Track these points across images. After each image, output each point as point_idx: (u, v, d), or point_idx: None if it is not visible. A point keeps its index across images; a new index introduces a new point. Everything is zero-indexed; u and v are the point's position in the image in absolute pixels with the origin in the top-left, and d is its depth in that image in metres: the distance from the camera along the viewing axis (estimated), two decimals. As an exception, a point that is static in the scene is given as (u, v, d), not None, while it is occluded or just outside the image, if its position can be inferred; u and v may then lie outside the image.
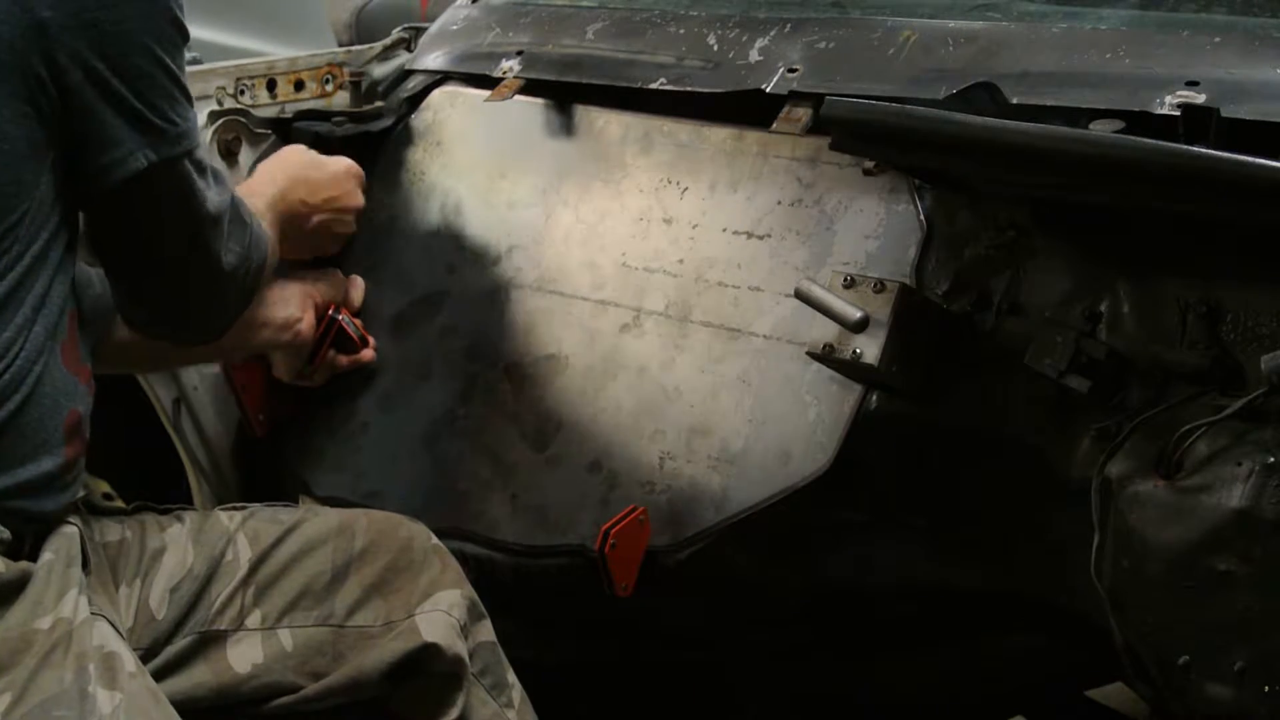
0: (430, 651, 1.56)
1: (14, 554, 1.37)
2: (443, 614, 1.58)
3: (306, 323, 1.96)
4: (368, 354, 2.04)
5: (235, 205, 1.57)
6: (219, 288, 1.58)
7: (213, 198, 1.50)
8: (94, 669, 1.35)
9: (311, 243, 1.97)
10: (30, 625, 1.33)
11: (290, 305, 1.94)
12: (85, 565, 1.45)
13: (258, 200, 1.75)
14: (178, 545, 1.60)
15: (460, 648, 1.58)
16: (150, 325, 1.62)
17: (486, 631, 1.64)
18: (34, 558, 1.39)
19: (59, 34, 1.33)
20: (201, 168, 1.48)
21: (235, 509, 1.68)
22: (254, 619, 1.58)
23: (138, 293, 1.57)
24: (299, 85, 2.25)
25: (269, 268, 1.70)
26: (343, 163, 1.98)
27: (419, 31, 2.32)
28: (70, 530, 1.44)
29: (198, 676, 1.54)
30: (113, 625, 1.44)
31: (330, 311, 2.01)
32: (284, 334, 1.94)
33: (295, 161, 1.93)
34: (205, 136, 2.14)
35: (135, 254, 1.52)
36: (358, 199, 2.00)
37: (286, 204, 1.85)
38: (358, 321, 2.04)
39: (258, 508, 1.69)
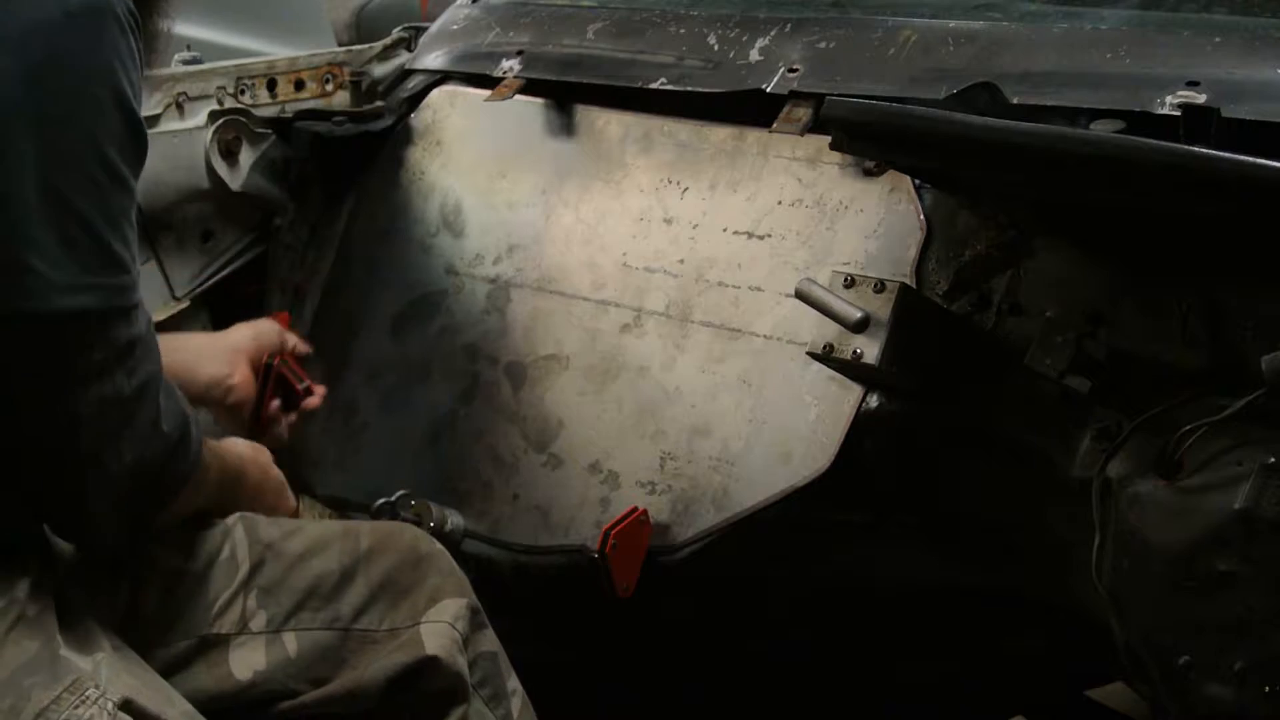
0: (431, 665, 1.54)
1: None
2: (446, 626, 1.56)
3: (239, 377, 1.81)
4: (313, 402, 1.90)
5: (147, 400, 1.29)
6: (93, 487, 1.30)
7: (115, 383, 1.25)
8: (63, 637, 1.33)
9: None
10: None
11: (218, 361, 1.80)
12: (49, 564, 1.42)
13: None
14: (171, 544, 1.56)
15: (461, 663, 1.56)
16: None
17: (488, 641, 1.62)
18: None
19: None
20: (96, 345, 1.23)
21: None
22: (258, 621, 1.54)
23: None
24: (299, 85, 2.26)
25: (189, 491, 1.42)
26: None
27: (419, 31, 2.32)
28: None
29: (197, 683, 1.51)
30: (88, 615, 1.42)
31: (266, 359, 1.85)
32: (214, 391, 1.80)
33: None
34: (205, 136, 2.15)
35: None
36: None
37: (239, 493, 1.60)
38: (299, 369, 1.90)
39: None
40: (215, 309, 2.24)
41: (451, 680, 1.55)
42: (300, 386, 1.88)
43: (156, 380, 1.30)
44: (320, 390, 1.90)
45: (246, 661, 1.53)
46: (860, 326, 1.56)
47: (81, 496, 1.31)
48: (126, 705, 1.32)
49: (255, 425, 1.84)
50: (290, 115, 2.21)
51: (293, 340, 1.92)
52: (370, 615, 1.57)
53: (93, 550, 1.44)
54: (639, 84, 1.92)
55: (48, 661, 1.30)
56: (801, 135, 1.73)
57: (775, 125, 1.75)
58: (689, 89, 1.87)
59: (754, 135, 1.84)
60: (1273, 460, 1.36)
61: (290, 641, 1.55)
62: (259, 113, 2.19)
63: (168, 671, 1.49)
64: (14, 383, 1.24)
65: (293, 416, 1.89)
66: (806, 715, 2.13)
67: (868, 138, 1.52)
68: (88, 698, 1.29)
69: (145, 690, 1.35)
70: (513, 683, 1.63)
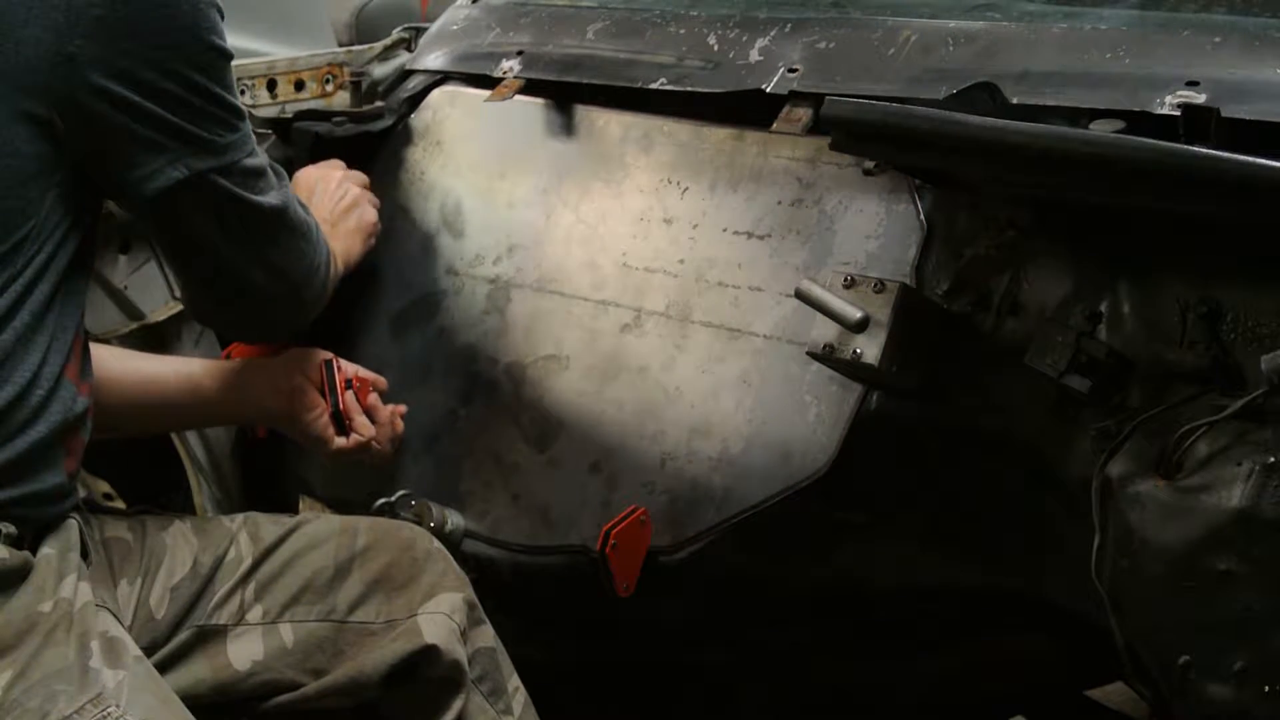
0: (430, 654, 1.56)
1: (16, 546, 1.39)
2: (444, 616, 1.58)
3: (299, 380, 1.81)
4: (380, 383, 1.90)
5: (298, 203, 1.61)
6: (288, 284, 1.62)
7: (270, 198, 1.54)
8: (97, 647, 1.37)
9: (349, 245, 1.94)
10: (34, 609, 1.35)
11: (273, 376, 1.81)
12: (85, 556, 1.47)
13: None
14: (179, 545, 1.61)
15: (459, 652, 1.58)
16: (218, 324, 1.74)
17: (485, 637, 1.64)
18: (35, 550, 1.40)
19: (87, 68, 1.35)
20: (254, 172, 1.51)
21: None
22: (255, 614, 1.58)
23: (204, 293, 1.62)
24: (299, 85, 2.26)
25: (335, 269, 1.74)
26: (329, 175, 1.99)
27: (419, 31, 2.32)
28: (70, 523, 1.46)
29: (197, 673, 1.55)
30: (114, 616, 1.45)
31: (320, 361, 1.83)
32: (282, 401, 1.80)
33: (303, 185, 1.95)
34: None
35: (194, 258, 1.56)
36: (354, 193, 1.99)
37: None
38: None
39: (258, 514, 1.69)
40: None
41: (450, 669, 1.57)
42: (356, 377, 1.85)
43: (293, 196, 1.61)
44: (371, 376, 1.88)
45: (245, 652, 1.56)
46: (860, 326, 1.56)
47: (300, 298, 1.66)
48: None
49: (336, 422, 1.82)
50: (290, 116, 2.21)
51: (351, 369, 1.87)
52: (365, 609, 1.59)
53: (282, 335, 1.80)
54: (639, 84, 1.92)
55: (79, 672, 1.34)
56: (801, 135, 1.73)
57: (775, 125, 1.75)
58: (689, 89, 1.87)
59: (754, 135, 1.84)
60: (1273, 460, 1.36)
61: (287, 633, 1.58)
62: (259, 113, 2.19)
63: (169, 663, 1.54)
64: (215, 230, 1.51)
65: (367, 401, 1.85)
66: (806, 715, 2.13)
67: (868, 138, 1.52)
68: (108, 714, 1.32)
69: (162, 711, 1.38)
70: (514, 681, 1.64)
